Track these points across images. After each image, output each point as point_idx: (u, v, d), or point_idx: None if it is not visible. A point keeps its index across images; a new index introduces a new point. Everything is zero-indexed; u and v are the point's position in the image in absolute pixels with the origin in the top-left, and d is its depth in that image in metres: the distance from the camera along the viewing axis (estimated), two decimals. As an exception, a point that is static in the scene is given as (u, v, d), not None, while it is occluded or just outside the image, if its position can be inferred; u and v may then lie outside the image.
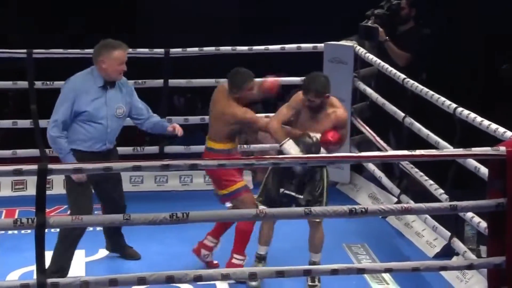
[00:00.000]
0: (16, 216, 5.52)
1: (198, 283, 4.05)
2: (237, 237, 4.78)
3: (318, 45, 6.38)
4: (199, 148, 6.42)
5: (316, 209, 3.76)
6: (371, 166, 6.08)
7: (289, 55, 6.44)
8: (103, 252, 5.10)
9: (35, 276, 3.73)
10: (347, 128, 4.97)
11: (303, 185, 4.70)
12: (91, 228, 5.22)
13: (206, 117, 6.53)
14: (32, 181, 6.01)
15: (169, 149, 6.40)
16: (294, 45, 6.38)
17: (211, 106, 4.93)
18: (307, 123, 4.71)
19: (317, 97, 4.65)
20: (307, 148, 4.60)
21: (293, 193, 4.69)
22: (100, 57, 4.61)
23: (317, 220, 4.64)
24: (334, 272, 3.76)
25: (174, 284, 4.27)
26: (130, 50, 6.12)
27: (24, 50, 5.98)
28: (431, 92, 5.08)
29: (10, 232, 5.20)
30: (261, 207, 4.57)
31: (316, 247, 4.72)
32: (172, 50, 6.18)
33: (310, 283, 4.65)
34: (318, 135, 4.63)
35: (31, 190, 6.00)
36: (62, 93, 4.59)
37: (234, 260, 4.74)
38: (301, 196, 4.66)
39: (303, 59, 6.53)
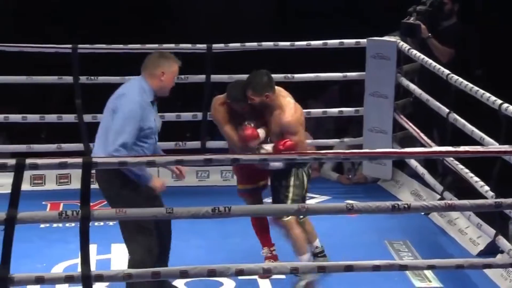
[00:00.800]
0: (60, 209, 5.66)
1: (239, 277, 4.10)
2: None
3: (361, 40, 6.36)
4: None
5: (358, 204, 3.75)
6: (414, 163, 6.04)
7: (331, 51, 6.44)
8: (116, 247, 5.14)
9: (79, 269, 3.79)
10: (300, 133, 4.67)
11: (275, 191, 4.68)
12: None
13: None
14: (76, 175, 6.17)
15: (211, 144, 6.44)
16: (337, 41, 6.37)
17: None
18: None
19: (254, 96, 4.56)
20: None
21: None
22: (159, 69, 4.19)
23: (284, 219, 4.51)
24: (376, 268, 3.76)
25: (215, 278, 4.34)
26: (173, 45, 6.28)
27: (69, 46, 6.07)
28: (476, 88, 5.03)
29: (55, 225, 5.29)
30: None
31: (297, 249, 4.57)
32: (215, 46, 6.21)
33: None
34: (269, 147, 4.61)
35: (75, 184, 6.14)
36: (128, 111, 4.07)
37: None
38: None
39: (346, 55, 6.55)
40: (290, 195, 4.58)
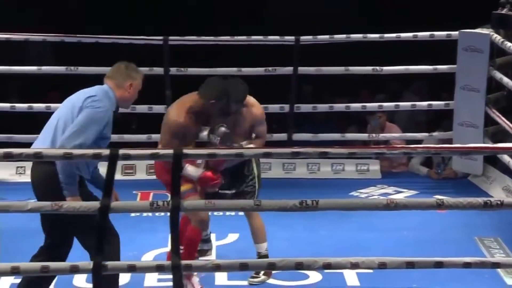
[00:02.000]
0: (150, 199, 5.79)
1: (326, 270, 4.10)
2: (185, 247, 4.43)
3: (452, 33, 6.25)
4: (327, 136, 6.49)
5: (449, 200, 3.69)
6: (506, 158, 5.91)
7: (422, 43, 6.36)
8: (232, 237, 5.22)
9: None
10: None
11: (235, 181, 4.63)
12: (220, 213, 5.38)
13: (335, 105, 6.64)
14: (140, 166, 6.31)
15: (297, 136, 6.46)
16: (427, 33, 6.28)
17: None
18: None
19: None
20: (224, 138, 4.46)
21: (226, 191, 4.64)
22: (128, 81, 4.08)
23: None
24: (467, 265, 3.70)
25: (302, 271, 4.37)
26: (261, 37, 6.32)
27: (160, 37, 6.19)
28: None
29: (145, 214, 5.41)
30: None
31: (258, 237, 4.61)
32: (303, 38, 6.22)
33: (253, 275, 4.55)
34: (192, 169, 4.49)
35: (139, 175, 6.29)
36: (94, 114, 3.92)
37: None
38: (229, 192, 4.63)
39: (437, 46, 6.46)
40: (257, 185, 4.65)
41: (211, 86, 4.49)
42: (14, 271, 3.62)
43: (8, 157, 3.57)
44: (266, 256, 4.58)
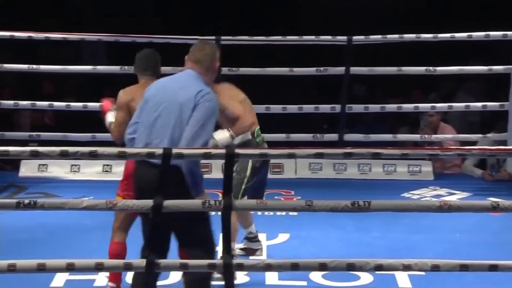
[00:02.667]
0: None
1: (378, 272, 4.08)
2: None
3: (509, 33, 6.16)
4: (379, 137, 6.45)
5: (504, 202, 3.64)
6: None
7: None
8: (283, 237, 5.22)
9: (219, 256, 3.87)
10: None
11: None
12: (271, 213, 5.39)
13: (387, 105, 6.61)
14: (216, 165, 6.33)
15: (348, 137, 6.44)
16: (482, 33, 6.20)
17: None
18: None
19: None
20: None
21: None
22: (215, 60, 3.80)
23: None
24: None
25: (353, 272, 4.35)
26: (313, 37, 6.32)
27: (213, 37, 6.22)
28: None
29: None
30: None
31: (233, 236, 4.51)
32: (355, 38, 6.20)
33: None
34: None
35: (215, 174, 6.30)
36: (210, 108, 3.71)
37: None
38: None
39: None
40: (242, 186, 4.55)
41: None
42: (69, 268, 3.68)
43: (64, 156, 3.63)
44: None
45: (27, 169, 6.31)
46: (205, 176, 6.32)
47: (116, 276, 4.21)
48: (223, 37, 6.24)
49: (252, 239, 4.85)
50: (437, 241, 5.06)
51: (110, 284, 4.22)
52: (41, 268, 3.60)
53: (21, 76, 7.59)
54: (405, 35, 6.26)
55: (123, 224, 4.24)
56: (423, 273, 4.46)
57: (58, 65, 6.31)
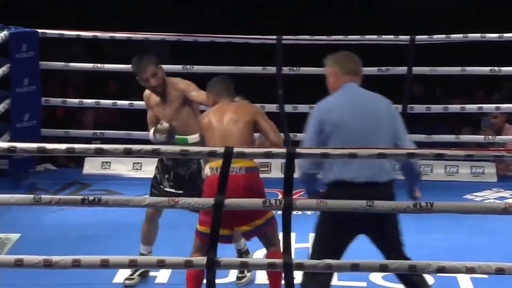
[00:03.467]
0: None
1: (439, 274, 4.03)
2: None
3: None
4: (441, 137, 6.36)
5: None
6: None
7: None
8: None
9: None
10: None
11: (182, 179, 4.46)
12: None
13: (450, 106, 6.51)
14: (275, 164, 6.34)
15: (410, 137, 6.35)
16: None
17: (218, 122, 4.14)
18: (161, 113, 4.56)
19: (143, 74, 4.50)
20: (169, 133, 4.43)
21: (172, 190, 4.46)
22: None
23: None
24: None
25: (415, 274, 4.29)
26: (375, 36, 6.27)
27: (274, 37, 6.23)
28: None
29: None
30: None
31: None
32: (418, 37, 6.13)
33: (239, 275, 4.43)
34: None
35: (275, 173, 6.30)
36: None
37: None
38: (181, 192, 4.43)
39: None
40: None
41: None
42: (132, 264, 3.73)
43: (128, 153, 3.68)
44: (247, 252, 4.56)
45: (91, 166, 6.41)
46: (265, 175, 6.44)
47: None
48: (284, 37, 6.23)
49: (243, 254, 4.63)
50: (501, 244, 4.97)
51: None
52: (105, 264, 3.66)
53: (85, 75, 7.73)
54: (470, 35, 6.16)
55: (200, 250, 4.04)
56: (486, 276, 4.41)
57: (122, 64, 6.40)
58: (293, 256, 3.71)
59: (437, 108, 6.44)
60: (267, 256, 4.16)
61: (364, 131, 3.72)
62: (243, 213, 3.90)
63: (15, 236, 5.08)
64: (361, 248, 4.88)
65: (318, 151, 3.84)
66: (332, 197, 3.72)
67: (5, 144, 3.69)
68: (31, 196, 3.70)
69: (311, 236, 5.03)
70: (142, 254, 4.49)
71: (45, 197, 3.65)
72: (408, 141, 3.82)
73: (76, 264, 3.64)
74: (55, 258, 3.64)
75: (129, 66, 6.16)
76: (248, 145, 3.99)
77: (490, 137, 6.37)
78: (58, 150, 3.61)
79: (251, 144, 4.10)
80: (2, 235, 5.08)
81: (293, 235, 4.86)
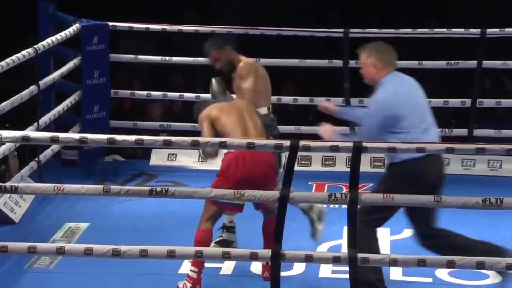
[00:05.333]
0: (325, 190, 5.81)
1: (509, 272, 3.95)
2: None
3: None
4: (510, 132, 6.24)
5: None
6: None
7: None
8: (408, 232, 5.13)
9: (342, 249, 3.87)
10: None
11: None
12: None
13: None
14: (340, 158, 6.32)
15: (478, 132, 6.26)
16: None
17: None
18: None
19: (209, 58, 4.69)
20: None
21: None
22: None
23: None
24: None
25: (482, 271, 4.23)
26: (445, 30, 6.18)
27: (341, 30, 6.20)
28: None
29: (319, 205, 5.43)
30: None
31: None
32: (489, 30, 6.01)
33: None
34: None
35: (339, 167, 6.28)
36: None
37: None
38: None
39: None
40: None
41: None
42: (197, 255, 3.77)
43: (195, 145, 3.72)
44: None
45: (158, 158, 6.48)
46: (329, 169, 6.42)
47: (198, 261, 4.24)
48: (351, 30, 6.19)
49: (230, 229, 4.77)
50: None
51: (192, 268, 4.24)
52: (171, 255, 3.70)
53: (152, 67, 7.79)
54: (542, 26, 6.03)
55: (213, 217, 4.31)
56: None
57: (189, 57, 6.44)
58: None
59: (507, 102, 6.31)
60: (264, 223, 4.38)
61: (425, 105, 4.20)
62: (262, 185, 4.04)
63: (84, 226, 5.17)
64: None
65: (385, 145, 3.81)
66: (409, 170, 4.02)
67: (76, 135, 3.76)
68: (101, 186, 3.76)
69: (405, 231, 5.03)
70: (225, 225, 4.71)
71: (114, 187, 3.70)
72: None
73: (144, 254, 3.69)
74: (123, 247, 3.69)
75: (196, 58, 6.19)
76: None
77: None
78: (128, 141, 3.66)
79: None
80: (72, 225, 5.18)
81: (387, 230, 4.92)
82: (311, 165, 6.47)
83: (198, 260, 4.17)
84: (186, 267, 4.50)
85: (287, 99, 6.46)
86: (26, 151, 5.88)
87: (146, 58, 6.66)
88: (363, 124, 4.21)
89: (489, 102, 6.29)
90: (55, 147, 5.94)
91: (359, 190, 3.70)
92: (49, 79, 5.81)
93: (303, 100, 6.44)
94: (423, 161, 4.04)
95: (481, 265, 3.63)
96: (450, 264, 3.67)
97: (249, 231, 4.69)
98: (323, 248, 4.88)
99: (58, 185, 3.69)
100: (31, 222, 5.27)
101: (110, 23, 6.37)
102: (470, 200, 3.61)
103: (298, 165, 6.38)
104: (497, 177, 6.26)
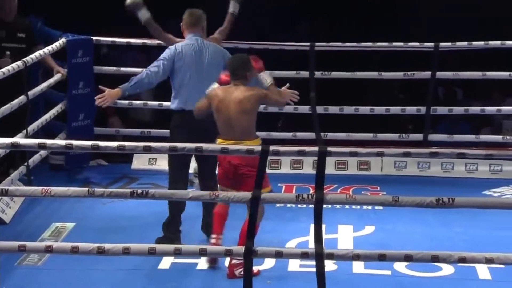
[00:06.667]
0: (293, 192, 5.83)
1: (459, 264, 3.99)
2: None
3: None
4: (462, 137, 6.31)
5: None
6: None
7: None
8: (369, 229, 5.17)
9: (309, 245, 3.87)
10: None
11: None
12: (358, 207, 5.34)
13: (470, 108, 6.45)
14: (306, 161, 6.34)
15: (432, 137, 6.32)
16: None
17: (222, 107, 4.34)
18: None
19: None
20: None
21: None
22: None
23: None
24: None
25: (436, 264, 4.27)
26: (401, 43, 6.23)
27: (308, 44, 6.22)
28: None
29: (288, 205, 5.46)
30: None
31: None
32: (442, 44, 6.08)
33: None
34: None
35: (306, 169, 6.30)
36: None
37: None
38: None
39: None
40: None
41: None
42: (176, 252, 3.76)
43: (173, 151, 3.71)
44: None
45: (139, 162, 6.46)
46: (297, 171, 6.44)
47: (218, 228, 4.37)
48: (317, 44, 6.21)
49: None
50: (517, 237, 4.92)
51: (214, 235, 4.34)
52: (152, 252, 3.69)
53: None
54: (490, 42, 6.10)
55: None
56: (502, 266, 4.36)
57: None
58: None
59: (458, 110, 6.38)
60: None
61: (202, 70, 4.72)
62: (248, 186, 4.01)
63: (70, 225, 5.14)
64: (386, 239, 4.89)
65: (348, 150, 3.83)
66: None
67: (62, 142, 3.74)
68: (86, 189, 3.74)
69: (339, 227, 5.07)
70: None
71: (98, 190, 3.69)
72: None
73: (126, 252, 3.68)
74: (107, 245, 3.68)
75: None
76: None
77: (508, 137, 6.30)
78: (110, 147, 3.65)
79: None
80: (59, 224, 5.14)
81: (350, 227, 4.93)
82: (280, 168, 6.48)
83: (218, 226, 4.33)
84: (165, 262, 4.50)
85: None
86: (16, 156, 5.82)
87: (127, 70, 6.62)
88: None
89: (442, 110, 6.35)
90: (43, 152, 5.89)
91: (324, 191, 3.72)
92: (37, 89, 5.77)
93: (272, 108, 6.44)
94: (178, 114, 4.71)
95: (435, 259, 3.66)
96: (407, 258, 3.69)
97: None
98: (291, 244, 4.90)
99: (45, 188, 3.67)
100: (21, 223, 5.23)
101: (94, 38, 6.34)
102: (425, 199, 3.64)
103: (269, 168, 6.39)
104: (449, 178, 6.32)
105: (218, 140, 4.31)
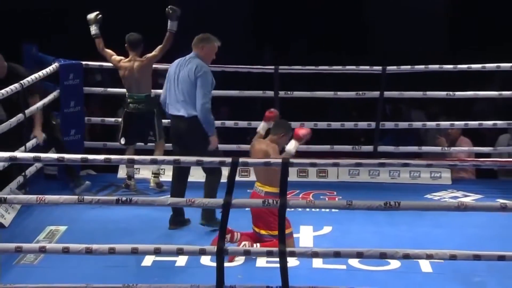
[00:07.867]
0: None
1: (405, 260, 4.03)
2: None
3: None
4: (407, 148, 6.38)
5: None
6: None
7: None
8: (327, 229, 5.19)
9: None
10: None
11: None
12: (318, 210, 5.34)
13: (414, 123, 6.55)
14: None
15: (381, 148, 6.38)
16: (493, 65, 6.08)
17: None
18: None
19: None
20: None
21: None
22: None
23: None
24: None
25: (385, 259, 4.31)
26: (354, 67, 6.30)
27: (272, 67, 6.25)
28: None
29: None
30: None
31: None
32: (388, 67, 6.16)
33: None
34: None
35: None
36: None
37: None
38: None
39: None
40: None
41: None
42: (156, 251, 3.74)
43: (153, 163, 3.70)
44: None
45: (124, 172, 6.39)
46: (245, 179, 6.39)
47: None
48: (280, 67, 6.26)
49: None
50: (454, 235, 4.97)
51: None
52: (134, 251, 3.68)
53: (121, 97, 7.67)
54: (430, 66, 6.20)
55: None
56: (442, 261, 4.42)
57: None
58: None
59: (403, 124, 6.46)
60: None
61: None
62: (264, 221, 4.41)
63: (63, 228, 5.09)
64: (342, 238, 4.90)
65: (308, 161, 3.86)
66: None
67: (55, 155, 3.73)
68: (76, 196, 3.73)
69: (301, 228, 5.09)
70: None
71: (87, 197, 3.67)
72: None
73: (112, 251, 3.66)
74: (94, 246, 3.65)
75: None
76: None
77: (446, 148, 6.39)
78: (98, 160, 3.63)
79: None
80: (53, 227, 5.09)
81: (310, 228, 4.90)
82: (249, 176, 6.48)
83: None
84: (147, 260, 4.47)
85: (229, 123, 6.47)
86: (14, 168, 5.76)
87: (114, 91, 6.59)
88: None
89: (389, 124, 6.42)
90: (38, 164, 5.83)
91: (287, 196, 3.74)
92: (33, 108, 5.71)
93: (242, 123, 6.46)
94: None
95: (383, 255, 3.69)
96: (359, 255, 3.72)
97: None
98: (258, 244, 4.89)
99: (40, 196, 3.65)
100: (18, 226, 5.17)
101: (83, 62, 6.31)
102: (374, 203, 3.68)
103: (239, 176, 6.39)
104: (396, 184, 6.37)
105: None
